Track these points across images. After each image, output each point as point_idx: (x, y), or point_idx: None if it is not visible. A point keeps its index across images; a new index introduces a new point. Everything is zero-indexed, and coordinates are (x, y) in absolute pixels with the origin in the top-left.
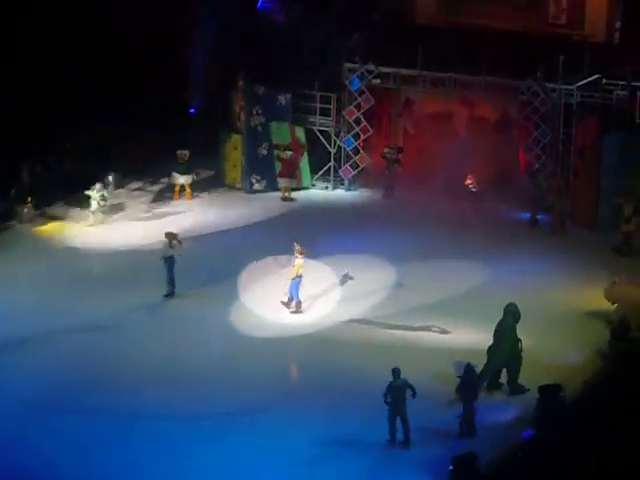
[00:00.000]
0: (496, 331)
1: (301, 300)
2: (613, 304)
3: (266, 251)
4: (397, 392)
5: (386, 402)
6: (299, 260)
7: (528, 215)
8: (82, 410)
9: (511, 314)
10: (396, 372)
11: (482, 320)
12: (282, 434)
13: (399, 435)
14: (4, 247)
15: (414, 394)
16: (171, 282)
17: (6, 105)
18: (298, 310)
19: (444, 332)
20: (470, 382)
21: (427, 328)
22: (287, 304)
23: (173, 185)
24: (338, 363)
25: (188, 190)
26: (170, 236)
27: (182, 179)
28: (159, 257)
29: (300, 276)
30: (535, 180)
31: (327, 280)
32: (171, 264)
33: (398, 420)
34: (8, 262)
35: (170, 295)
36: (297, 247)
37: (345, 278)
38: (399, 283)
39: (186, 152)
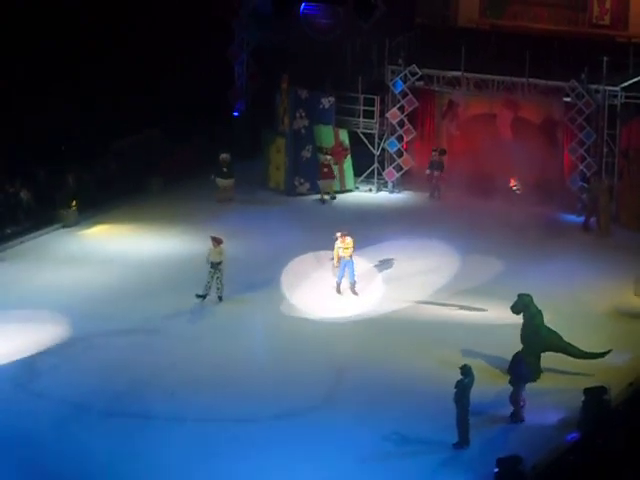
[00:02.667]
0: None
1: (356, 280)
2: None
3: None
4: (467, 391)
5: (458, 401)
6: (346, 241)
7: (574, 217)
8: (125, 413)
9: (531, 308)
10: (466, 369)
11: None
12: (344, 432)
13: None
14: (49, 251)
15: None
16: (208, 286)
17: (53, 110)
18: (353, 291)
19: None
20: (517, 370)
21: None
22: (338, 289)
23: (217, 188)
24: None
25: (230, 193)
26: (215, 241)
27: (225, 182)
28: (205, 260)
29: (351, 257)
30: (586, 183)
31: (373, 268)
32: (215, 269)
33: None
34: (53, 266)
35: (202, 297)
36: (338, 234)
37: None
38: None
39: (227, 156)
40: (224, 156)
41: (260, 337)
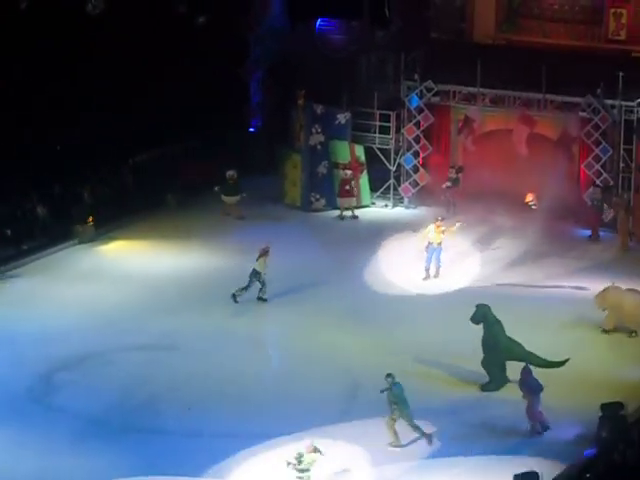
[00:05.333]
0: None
1: (441, 265)
2: (604, 310)
3: (326, 269)
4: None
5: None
6: (440, 229)
7: (588, 231)
8: (142, 429)
9: (489, 318)
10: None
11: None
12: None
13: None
14: (65, 267)
15: None
16: (244, 289)
17: (70, 125)
18: (437, 274)
19: None
20: (528, 382)
21: None
22: (427, 274)
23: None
24: None
25: (236, 210)
26: (263, 251)
27: (230, 199)
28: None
29: (440, 244)
30: (598, 196)
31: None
32: (254, 276)
33: None
34: (69, 282)
35: (234, 297)
36: (436, 222)
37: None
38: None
39: (234, 173)
40: (230, 173)
41: (276, 353)
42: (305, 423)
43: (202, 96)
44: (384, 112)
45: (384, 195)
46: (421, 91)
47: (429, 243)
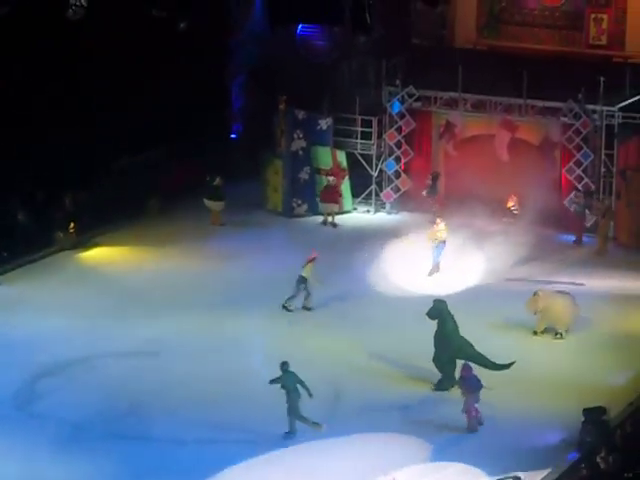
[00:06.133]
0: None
1: (439, 262)
2: (535, 314)
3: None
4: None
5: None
6: (440, 226)
7: (571, 236)
8: (126, 435)
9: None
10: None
11: None
12: None
13: None
14: (47, 274)
15: None
16: (293, 297)
17: (51, 130)
18: (434, 271)
19: None
20: (467, 379)
21: None
22: (435, 269)
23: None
24: None
25: (218, 216)
26: (310, 259)
27: (214, 205)
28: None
29: (444, 242)
30: (580, 201)
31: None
32: (301, 284)
33: None
34: (51, 289)
35: (285, 308)
36: (437, 220)
37: None
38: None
39: (218, 178)
40: (215, 178)
41: (260, 357)
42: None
43: (183, 102)
44: (366, 118)
45: (366, 201)
46: (402, 96)
47: (434, 242)
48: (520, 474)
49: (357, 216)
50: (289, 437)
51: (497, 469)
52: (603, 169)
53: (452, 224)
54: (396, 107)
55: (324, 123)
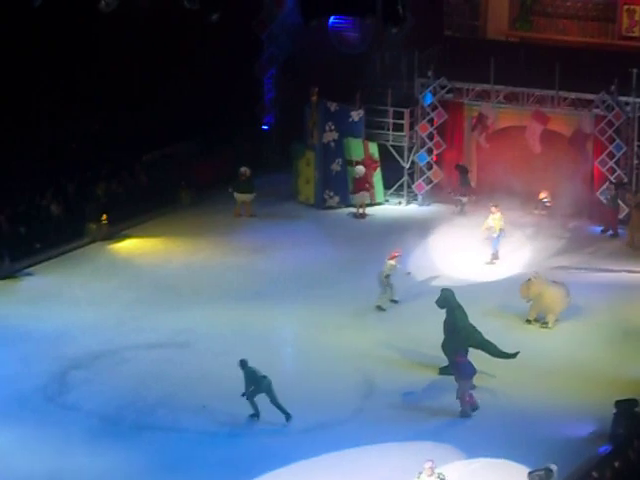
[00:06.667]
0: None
1: (497, 250)
2: (528, 302)
3: (340, 267)
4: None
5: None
6: (496, 215)
7: (602, 228)
8: (155, 426)
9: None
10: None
11: None
12: None
13: None
14: (79, 265)
15: None
16: (383, 294)
17: (84, 122)
18: (492, 260)
19: None
20: (461, 365)
21: None
22: (494, 256)
23: (235, 203)
24: None
25: (249, 207)
26: (393, 255)
27: (243, 197)
28: (383, 274)
29: (502, 230)
30: (612, 192)
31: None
32: (386, 279)
33: None
34: (83, 280)
35: (379, 308)
36: (493, 209)
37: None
38: None
39: (247, 169)
40: (243, 169)
41: (290, 351)
42: (319, 421)
43: (215, 94)
44: (398, 109)
45: (398, 192)
46: (435, 88)
47: (491, 231)
48: (552, 466)
49: (389, 208)
50: (254, 418)
51: (529, 461)
52: (636, 161)
53: (484, 216)
54: (428, 99)
55: (356, 115)
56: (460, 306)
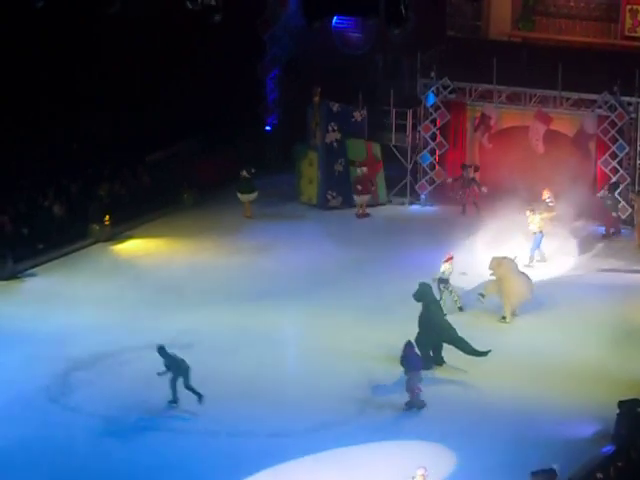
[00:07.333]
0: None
1: (533, 255)
2: (491, 275)
3: (344, 267)
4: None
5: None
6: (533, 217)
7: (603, 229)
8: (158, 427)
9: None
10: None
11: None
12: None
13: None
14: (81, 266)
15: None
16: (440, 300)
17: (86, 123)
18: (544, 259)
19: None
20: (409, 357)
21: None
22: (530, 260)
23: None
24: None
25: (248, 207)
26: (447, 259)
27: (245, 197)
28: (438, 277)
29: (540, 232)
30: (607, 193)
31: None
32: (443, 284)
33: None
34: (86, 281)
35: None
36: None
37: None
38: None
39: (247, 170)
40: (244, 171)
41: (293, 351)
42: (323, 420)
43: (218, 94)
44: (400, 110)
45: (401, 193)
46: (437, 88)
47: (531, 232)
48: (555, 466)
49: (392, 208)
50: (172, 405)
51: (533, 462)
52: (638, 161)
53: (487, 216)
54: (431, 99)
55: (359, 115)
56: (436, 301)
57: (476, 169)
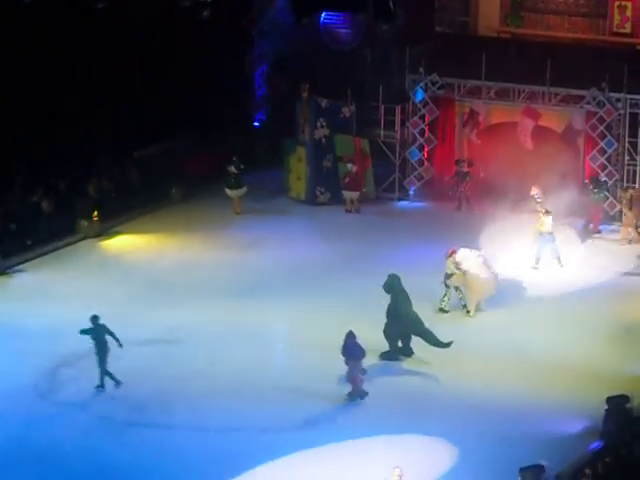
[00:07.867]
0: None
1: (540, 257)
2: (456, 270)
3: (332, 263)
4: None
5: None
6: (543, 219)
7: (584, 223)
8: (147, 423)
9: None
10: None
11: None
12: None
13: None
14: (70, 262)
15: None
16: (445, 296)
17: (75, 119)
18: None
19: None
20: (349, 347)
21: None
22: (536, 262)
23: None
24: None
25: (237, 203)
26: (449, 254)
27: (233, 193)
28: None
29: (550, 233)
30: (598, 188)
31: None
32: (447, 279)
33: None
34: (74, 277)
35: (442, 310)
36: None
37: None
38: None
39: (234, 166)
40: (231, 168)
41: (282, 345)
42: (313, 416)
43: (206, 90)
44: (389, 105)
45: (389, 188)
46: (426, 84)
47: (540, 233)
48: (543, 463)
49: (380, 204)
50: (100, 390)
51: (521, 458)
52: (627, 157)
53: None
54: (419, 95)
55: (347, 111)
56: (404, 292)
57: (470, 164)
